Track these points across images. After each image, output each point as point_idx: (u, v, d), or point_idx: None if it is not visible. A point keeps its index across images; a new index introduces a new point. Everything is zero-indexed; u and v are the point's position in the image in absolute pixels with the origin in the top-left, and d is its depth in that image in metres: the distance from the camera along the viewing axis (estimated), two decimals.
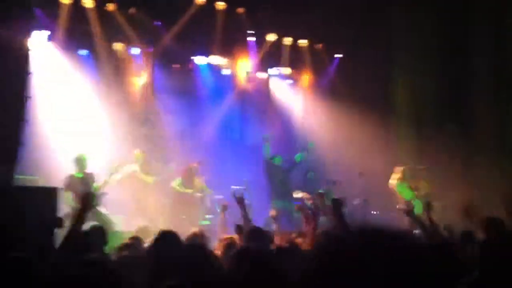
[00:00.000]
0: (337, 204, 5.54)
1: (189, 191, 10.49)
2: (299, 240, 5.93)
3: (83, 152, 9.62)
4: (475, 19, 12.12)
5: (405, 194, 10.85)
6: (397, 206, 10.73)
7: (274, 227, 7.04)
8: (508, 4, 11.74)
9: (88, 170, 9.50)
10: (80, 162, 9.43)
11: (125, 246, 5.60)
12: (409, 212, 6.66)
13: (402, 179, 10.97)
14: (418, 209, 10.38)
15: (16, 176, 7.74)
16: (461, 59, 12.11)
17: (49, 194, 6.85)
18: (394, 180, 11.01)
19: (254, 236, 5.21)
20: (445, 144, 11.56)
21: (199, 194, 10.71)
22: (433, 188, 10.96)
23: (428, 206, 6.23)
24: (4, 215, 5.94)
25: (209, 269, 4.23)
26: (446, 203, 10.15)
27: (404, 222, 9.58)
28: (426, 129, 12.20)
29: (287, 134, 13.29)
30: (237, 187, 10.86)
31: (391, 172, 11.35)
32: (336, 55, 13.57)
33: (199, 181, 10.80)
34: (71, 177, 9.32)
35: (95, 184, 9.39)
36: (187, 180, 10.60)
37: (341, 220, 5.39)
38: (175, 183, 10.60)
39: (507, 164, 11.12)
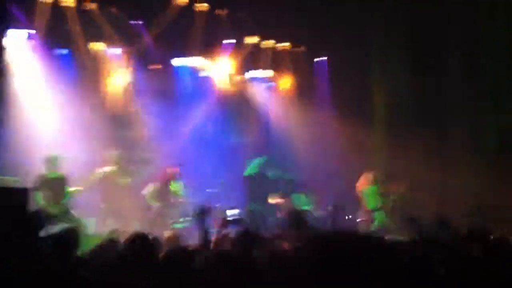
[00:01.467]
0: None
1: (156, 204, 10.37)
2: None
3: (55, 152, 9.46)
4: (449, 20, 12.27)
5: (370, 201, 10.81)
6: (358, 220, 10.80)
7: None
8: (481, 4, 11.92)
9: (62, 171, 9.38)
10: (52, 162, 9.30)
11: (98, 249, 5.57)
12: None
13: (373, 183, 10.94)
14: (380, 219, 10.54)
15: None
16: (436, 60, 12.24)
17: (20, 195, 6.77)
18: (362, 185, 10.99)
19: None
20: (421, 146, 11.65)
21: (179, 200, 10.65)
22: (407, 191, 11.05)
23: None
24: None
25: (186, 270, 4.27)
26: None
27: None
28: (402, 131, 12.26)
29: (265, 137, 13.29)
30: (211, 190, 10.89)
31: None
32: (316, 59, 13.61)
33: (176, 186, 10.73)
34: (43, 176, 9.20)
35: (68, 187, 9.30)
36: (163, 187, 10.50)
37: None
38: (148, 191, 10.49)
39: (481, 166, 11.23)
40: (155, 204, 10.35)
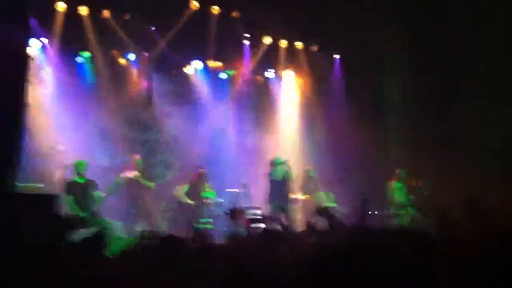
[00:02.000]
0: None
1: (192, 202, 10.45)
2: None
3: (82, 158, 9.63)
4: (455, 18, 12.21)
5: (399, 196, 10.87)
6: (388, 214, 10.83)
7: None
8: (486, 4, 11.85)
9: (88, 176, 9.53)
10: (79, 168, 9.46)
11: (128, 250, 5.61)
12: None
13: (398, 180, 11.00)
14: (411, 214, 10.53)
15: (19, 184, 7.76)
16: (445, 59, 12.19)
17: (50, 201, 6.91)
18: (391, 181, 11.05)
19: None
20: (437, 145, 11.60)
21: (207, 201, 10.70)
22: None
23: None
24: (5, 222, 5.99)
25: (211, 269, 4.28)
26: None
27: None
28: (419, 130, 12.24)
29: (284, 136, 13.31)
30: (233, 190, 10.93)
31: (386, 172, 11.43)
32: (333, 56, 13.60)
33: (208, 186, 10.80)
34: (72, 182, 9.37)
35: (96, 192, 9.46)
36: (196, 187, 10.56)
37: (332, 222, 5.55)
38: (181, 191, 10.57)
39: (491, 162, 11.17)
40: (189, 203, 10.37)
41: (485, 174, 10.82)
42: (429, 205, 10.48)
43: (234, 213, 5.84)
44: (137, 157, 10.47)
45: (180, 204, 10.45)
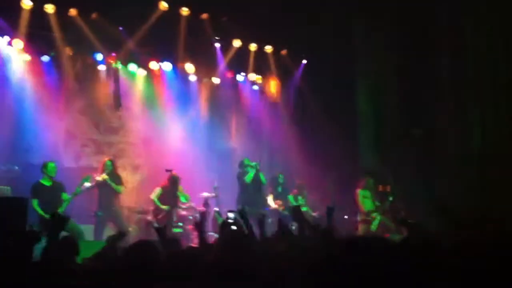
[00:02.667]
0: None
1: (165, 207, 10.32)
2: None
3: (51, 160, 9.43)
4: (435, 21, 12.33)
5: (366, 203, 10.99)
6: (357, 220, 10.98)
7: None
8: (468, 6, 12.01)
9: (56, 178, 9.35)
10: (48, 170, 9.26)
11: (97, 256, 5.52)
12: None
13: (365, 187, 11.10)
14: (378, 220, 10.69)
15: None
16: (423, 62, 12.30)
17: (18, 204, 6.75)
18: (357, 189, 11.15)
19: None
20: (408, 150, 11.76)
21: (180, 205, 10.61)
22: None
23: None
24: None
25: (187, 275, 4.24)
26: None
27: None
28: (390, 135, 12.35)
29: (254, 140, 13.31)
30: (208, 194, 10.88)
31: (355, 179, 11.54)
32: (302, 61, 13.67)
33: (182, 190, 10.71)
34: (39, 184, 9.17)
35: (63, 194, 9.29)
36: (169, 191, 10.44)
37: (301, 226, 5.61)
38: (155, 194, 10.43)
39: (468, 169, 11.36)
40: (163, 208, 10.29)
41: (462, 180, 11.00)
42: (395, 210, 10.65)
43: (201, 217, 5.81)
44: (106, 159, 10.31)
45: (155, 207, 10.33)
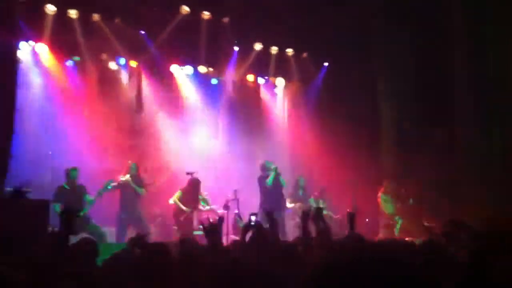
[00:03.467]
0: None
1: (186, 209, 10.36)
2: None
3: (73, 166, 9.58)
4: (454, 25, 12.22)
5: (388, 207, 10.95)
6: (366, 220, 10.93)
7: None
8: (484, 8, 11.87)
9: (79, 182, 9.50)
10: (70, 176, 9.43)
11: (117, 257, 5.58)
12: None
13: (385, 192, 11.06)
14: (399, 225, 10.63)
15: (8, 189, 7.70)
16: (443, 67, 12.19)
17: (40, 207, 6.86)
18: (379, 193, 11.11)
19: None
20: (430, 153, 11.65)
21: (201, 207, 10.67)
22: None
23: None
24: None
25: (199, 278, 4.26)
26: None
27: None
28: (411, 138, 12.25)
29: (273, 143, 13.31)
30: (228, 197, 10.92)
31: (377, 182, 11.49)
32: (323, 64, 13.64)
33: (203, 194, 10.76)
34: (61, 188, 9.32)
35: (86, 196, 9.44)
36: (189, 193, 10.48)
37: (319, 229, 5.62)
38: (176, 196, 10.48)
39: (493, 172, 11.21)
40: (184, 209, 10.35)
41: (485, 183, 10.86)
42: (415, 213, 10.56)
43: (219, 220, 5.83)
44: (130, 161, 10.42)
45: (176, 210, 10.38)
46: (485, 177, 11.01)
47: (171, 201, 10.43)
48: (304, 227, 6.02)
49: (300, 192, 11.59)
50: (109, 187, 9.67)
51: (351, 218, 6.03)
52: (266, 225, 6.17)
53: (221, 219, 5.87)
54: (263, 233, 5.75)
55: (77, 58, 11.44)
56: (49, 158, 10.69)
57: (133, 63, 11.88)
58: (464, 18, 11.93)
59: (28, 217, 6.46)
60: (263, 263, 4.81)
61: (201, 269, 4.48)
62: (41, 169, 10.48)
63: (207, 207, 10.87)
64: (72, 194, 9.29)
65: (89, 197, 9.47)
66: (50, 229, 7.76)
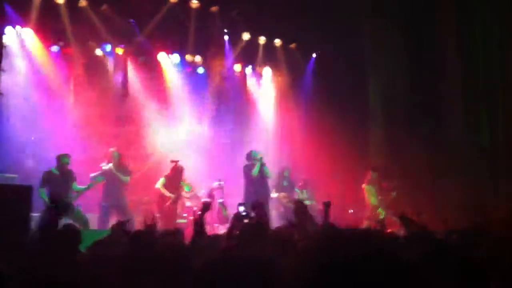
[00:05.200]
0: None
1: (171, 195, 10.32)
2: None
3: (65, 154, 9.52)
4: (444, 17, 12.29)
5: (372, 198, 11.04)
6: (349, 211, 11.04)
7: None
8: (475, 4, 11.96)
9: (68, 168, 9.46)
10: (62, 160, 9.38)
11: (100, 244, 5.58)
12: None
13: (370, 182, 11.14)
14: (383, 214, 10.73)
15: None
16: (432, 59, 12.26)
17: (23, 192, 6.83)
18: (364, 184, 11.19)
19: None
20: (417, 145, 11.74)
21: (184, 194, 10.67)
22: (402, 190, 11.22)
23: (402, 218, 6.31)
24: None
25: (183, 268, 4.27)
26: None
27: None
28: (399, 130, 12.33)
29: (261, 133, 13.33)
30: (216, 183, 10.94)
31: (362, 172, 11.57)
32: (312, 55, 13.66)
33: (185, 180, 10.74)
34: (50, 173, 9.28)
35: (74, 184, 9.41)
36: (172, 180, 10.45)
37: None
38: (159, 183, 10.47)
39: (476, 164, 11.35)
40: (169, 195, 10.33)
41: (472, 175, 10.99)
42: (398, 205, 10.65)
43: (205, 209, 5.84)
44: (113, 149, 10.38)
45: (159, 197, 10.39)
46: (470, 172, 11.15)
47: (156, 186, 10.44)
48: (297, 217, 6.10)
49: (285, 183, 11.62)
50: (99, 180, 9.69)
51: (326, 208, 6.10)
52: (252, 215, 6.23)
53: (206, 206, 5.89)
54: (259, 223, 5.80)
55: (62, 44, 11.32)
56: (32, 144, 10.61)
57: (119, 50, 11.80)
58: (456, 11, 12.05)
59: (11, 203, 6.45)
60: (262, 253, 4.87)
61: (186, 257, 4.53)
62: (23, 155, 10.41)
63: (190, 194, 10.89)
64: (60, 179, 9.24)
65: (77, 186, 9.44)
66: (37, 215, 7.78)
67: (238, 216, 6.07)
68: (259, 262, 3.55)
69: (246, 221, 5.76)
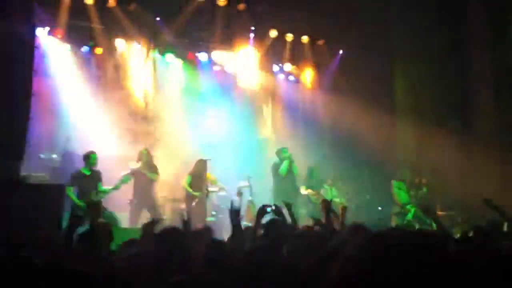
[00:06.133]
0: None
1: (197, 194, 10.36)
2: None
3: (92, 151, 9.59)
4: (474, 14, 12.10)
5: (402, 196, 10.91)
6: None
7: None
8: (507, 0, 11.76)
9: (96, 168, 9.55)
10: (90, 160, 9.48)
11: (131, 243, 5.62)
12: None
13: (399, 179, 11.02)
14: (411, 214, 10.59)
15: (23, 174, 7.75)
16: (460, 55, 12.10)
17: (55, 191, 6.94)
18: (393, 181, 11.07)
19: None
20: (445, 141, 11.59)
21: (211, 190, 10.68)
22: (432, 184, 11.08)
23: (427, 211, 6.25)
24: (11, 212, 6.04)
25: (215, 265, 4.28)
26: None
27: None
28: (427, 126, 12.20)
29: (288, 131, 13.28)
30: (243, 183, 10.92)
31: (391, 168, 11.45)
32: (339, 51, 13.56)
33: (210, 175, 10.75)
34: (79, 173, 9.40)
35: (99, 184, 9.48)
36: (197, 176, 10.49)
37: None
38: (185, 181, 10.50)
39: (507, 160, 11.15)
40: (195, 194, 10.37)
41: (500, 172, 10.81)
42: (429, 203, 10.53)
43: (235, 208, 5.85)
44: (142, 148, 10.46)
45: (187, 195, 10.42)
46: (501, 167, 10.95)
47: (183, 184, 10.47)
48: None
49: (313, 180, 11.54)
50: (127, 181, 9.75)
51: (326, 206, 5.99)
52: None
53: (263, 211, 5.91)
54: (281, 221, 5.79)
55: (92, 44, 11.45)
56: (62, 143, 10.75)
57: (148, 49, 11.88)
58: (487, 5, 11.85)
59: (45, 202, 6.54)
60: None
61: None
62: (53, 154, 10.55)
63: (218, 186, 10.85)
64: (88, 179, 9.34)
65: (102, 186, 9.51)
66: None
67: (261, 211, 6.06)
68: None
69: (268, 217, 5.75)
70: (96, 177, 9.42)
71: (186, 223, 5.72)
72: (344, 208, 6.30)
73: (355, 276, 1.43)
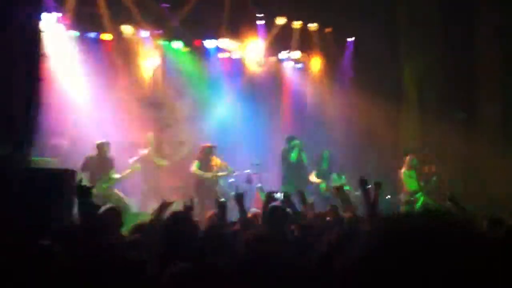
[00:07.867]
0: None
1: (209, 175, 10.37)
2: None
3: (105, 140, 9.66)
4: (484, 3, 12.04)
5: (411, 184, 10.89)
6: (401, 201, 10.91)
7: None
8: None
9: (108, 154, 9.58)
10: (104, 148, 9.49)
11: (140, 228, 5.64)
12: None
13: (409, 168, 10.99)
14: (422, 200, 10.58)
15: (33, 158, 7.79)
16: (467, 45, 12.05)
17: (67, 176, 6.95)
18: (402, 169, 11.05)
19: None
20: (450, 131, 11.56)
21: (221, 173, 10.66)
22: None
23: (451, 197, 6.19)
24: (23, 197, 6.07)
25: (222, 252, 4.28)
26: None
27: None
28: (432, 115, 12.17)
29: (297, 118, 13.26)
30: (252, 170, 10.92)
31: (397, 157, 11.43)
32: (347, 39, 13.49)
33: (218, 160, 10.72)
34: (90, 158, 9.43)
35: (112, 170, 9.51)
36: (204, 162, 10.48)
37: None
38: (194, 167, 10.50)
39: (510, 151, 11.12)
40: (207, 176, 10.35)
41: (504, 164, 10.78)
42: (439, 191, 10.53)
43: (241, 195, 5.91)
44: (149, 134, 10.48)
45: (196, 181, 10.42)
46: (505, 160, 10.92)
47: (192, 169, 10.46)
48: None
49: (324, 165, 11.49)
50: (137, 168, 9.82)
51: (376, 188, 5.91)
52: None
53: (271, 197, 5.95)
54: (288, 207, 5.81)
55: (99, 30, 11.43)
56: (70, 128, 10.78)
57: (155, 36, 11.86)
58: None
59: (57, 187, 6.56)
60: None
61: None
62: (62, 140, 10.58)
63: (228, 171, 10.85)
64: (99, 165, 9.37)
65: (114, 173, 9.55)
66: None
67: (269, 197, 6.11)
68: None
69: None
70: (109, 164, 9.47)
71: (188, 209, 5.78)
72: (378, 184, 5.92)
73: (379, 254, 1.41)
